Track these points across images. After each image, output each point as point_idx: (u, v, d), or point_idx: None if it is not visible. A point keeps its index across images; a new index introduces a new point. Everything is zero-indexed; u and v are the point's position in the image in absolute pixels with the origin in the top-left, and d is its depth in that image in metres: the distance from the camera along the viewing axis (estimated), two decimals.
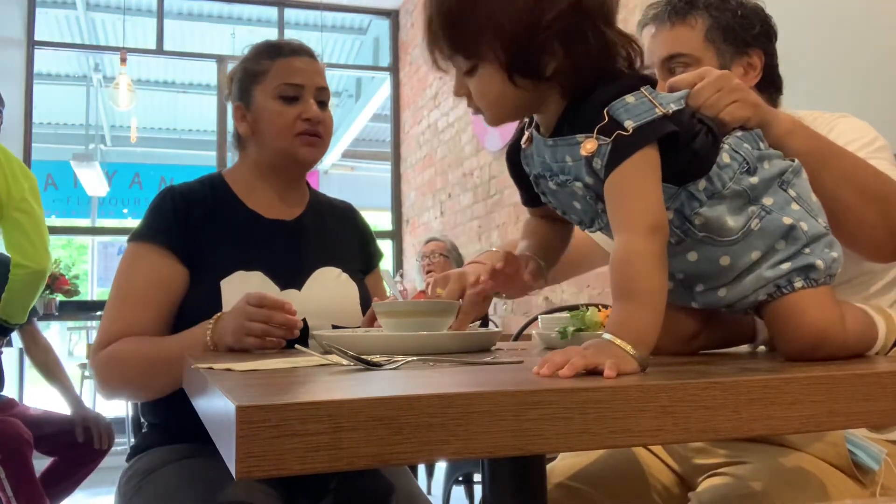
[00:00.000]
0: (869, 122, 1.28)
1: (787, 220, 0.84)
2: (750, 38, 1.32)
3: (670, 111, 0.81)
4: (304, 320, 1.36)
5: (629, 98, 0.80)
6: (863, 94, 2.08)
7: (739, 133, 0.90)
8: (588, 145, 0.80)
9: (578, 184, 0.84)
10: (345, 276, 1.48)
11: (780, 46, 1.39)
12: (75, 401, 2.89)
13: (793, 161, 0.90)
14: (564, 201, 0.89)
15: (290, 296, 1.38)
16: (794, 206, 0.86)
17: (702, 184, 0.83)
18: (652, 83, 0.84)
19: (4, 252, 3.25)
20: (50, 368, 3.00)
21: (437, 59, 0.87)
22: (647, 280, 0.77)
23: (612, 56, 0.84)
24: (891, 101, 1.98)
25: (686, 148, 0.82)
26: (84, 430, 2.79)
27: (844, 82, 2.15)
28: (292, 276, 1.41)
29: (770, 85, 1.35)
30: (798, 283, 0.83)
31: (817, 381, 0.66)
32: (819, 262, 0.83)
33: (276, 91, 1.43)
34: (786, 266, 0.83)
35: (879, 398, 0.68)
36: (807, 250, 0.84)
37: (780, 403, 0.64)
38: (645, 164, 0.79)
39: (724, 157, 0.85)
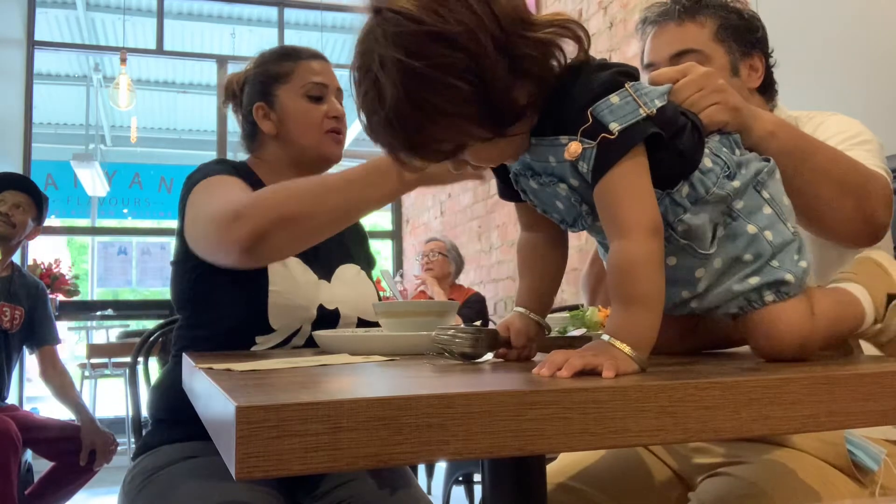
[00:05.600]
0: (868, 123, 1.28)
1: (752, 229, 0.83)
2: (755, 40, 1.34)
3: (654, 111, 0.78)
4: (337, 309, 1.41)
5: (614, 98, 0.77)
6: (862, 94, 2.08)
7: (717, 137, 0.88)
8: (572, 148, 0.77)
9: (563, 185, 0.82)
10: (363, 274, 1.54)
11: (780, 47, 1.39)
12: (88, 421, 2.90)
13: (768, 161, 0.88)
14: (546, 200, 0.86)
15: (323, 286, 1.42)
16: (766, 210, 0.84)
17: (685, 190, 0.82)
18: (633, 76, 0.81)
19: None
20: (65, 390, 3.04)
21: (408, 161, 0.81)
22: (646, 284, 0.76)
23: (556, 48, 0.79)
24: (889, 101, 1.98)
25: (671, 147, 0.80)
26: (89, 453, 2.81)
27: (843, 82, 2.15)
28: (322, 269, 1.44)
29: (768, 88, 1.37)
30: (769, 297, 0.82)
31: (817, 381, 0.66)
32: (789, 277, 0.82)
33: (303, 90, 1.48)
34: (754, 280, 0.82)
35: (879, 398, 0.68)
36: (774, 262, 0.82)
37: (780, 403, 0.64)
38: (634, 167, 0.77)
39: (707, 162, 0.83)
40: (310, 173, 1.51)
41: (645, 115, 0.77)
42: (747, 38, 1.33)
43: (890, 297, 0.89)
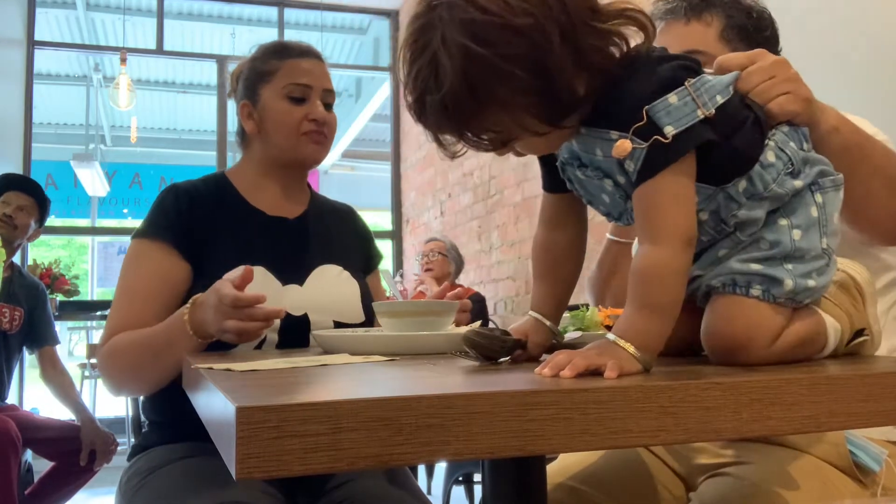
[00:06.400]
0: (869, 121, 1.28)
1: (784, 222, 0.80)
2: (762, 39, 1.32)
3: (712, 112, 0.76)
4: (306, 315, 1.38)
5: (672, 98, 0.74)
6: (862, 93, 2.08)
7: (786, 129, 0.85)
8: (621, 146, 0.75)
9: (608, 180, 0.80)
10: (346, 273, 1.49)
11: (783, 44, 1.39)
12: (88, 421, 2.90)
13: (837, 173, 0.85)
14: (592, 192, 0.84)
15: (292, 291, 1.39)
16: (812, 212, 0.81)
17: (742, 185, 0.79)
18: (694, 70, 0.79)
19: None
20: (65, 391, 3.04)
21: (449, 145, 0.80)
22: (668, 294, 0.75)
23: (621, 38, 0.78)
24: (890, 100, 1.98)
25: (727, 145, 0.78)
26: (89, 453, 2.81)
27: (844, 81, 2.15)
28: (294, 272, 1.41)
29: None
30: (755, 291, 0.79)
31: (818, 382, 0.66)
32: (789, 282, 0.79)
33: (284, 91, 1.44)
34: (755, 266, 0.79)
35: (880, 398, 0.68)
36: (788, 265, 0.79)
37: (781, 404, 0.64)
38: (681, 174, 0.75)
39: (769, 156, 0.80)
40: (290, 175, 1.51)
41: (703, 116, 0.75)
42: (754, 37, 1.32)
43: (858, 332, 0.88)
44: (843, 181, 0.85)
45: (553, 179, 0.89)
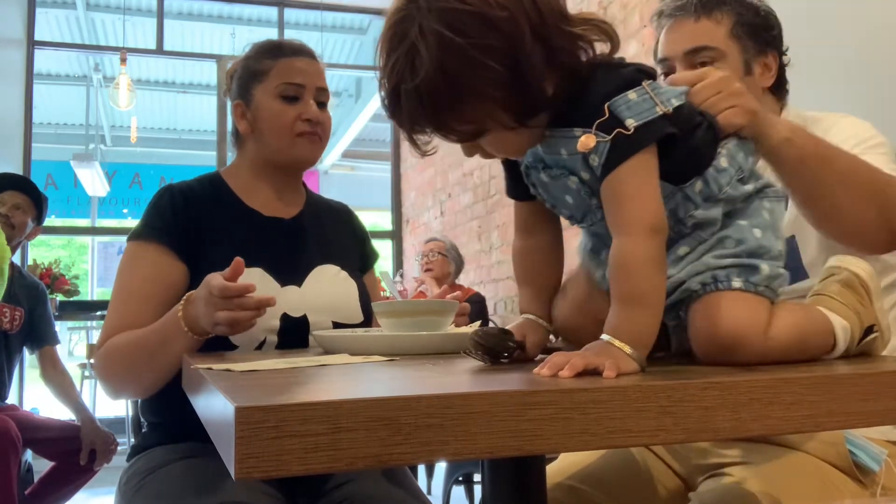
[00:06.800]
0: (879, 125, 1.28)
1: (743, 222, 0.84)
2: (769, 38, 1.34)
3: (670, 110, 0.79)
4: (305, 316, 1.37)
5: (632, 94, 0.77)
6: (863, 93, 2.08)
7: (735, 141, 0.89)
8: (585, 140, 0.77)
9: (573, 178, 0.82)
10: (344, 273, 1.49)
11: (791, 45, 1.39)
12: (88, 421, 2.90)
13: (778, 186, 0.90)
14: (556, 194, 0.86)
15: (291, 292, 1.39)
16: (766, 216, 0.85)
17: (698, 185, 0.83)
18: (651, 75, 0.82)
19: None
20: (65, 390, 3.05)
21: (422, 144, 0.83)
22: (646, 282, 0.76)
23: (588, 44, 0.81)
24: (890, 100, 1.98)
25: (684, 144, 0.81)
26: (89, 453, 2.81)
27: (845, 81, 2.15)
28: (291, 273, 1.41)
29: (780, 87, 1.37)
30: (736, 283, 0.80)
31: (817, 381, 0.66)
32: (764, 266, 0.81)
33: (277, 90, 1.44)
34: (729, 260, 0.81)
35: (879, 398, 0.68)
36: (754, 260, 0.82)
37: (780, 403, 0.64)
38: (644, 165, 0.78)
39: (723, 162, 0.84)
40: (284, 175, 1.50)
41: (661, 113, 0.78)
42: (762, 36, 1.33)
43: (868, 329, 0.88)
44: (783, 193, 0.89)
45: (517, 186, 0.92)
